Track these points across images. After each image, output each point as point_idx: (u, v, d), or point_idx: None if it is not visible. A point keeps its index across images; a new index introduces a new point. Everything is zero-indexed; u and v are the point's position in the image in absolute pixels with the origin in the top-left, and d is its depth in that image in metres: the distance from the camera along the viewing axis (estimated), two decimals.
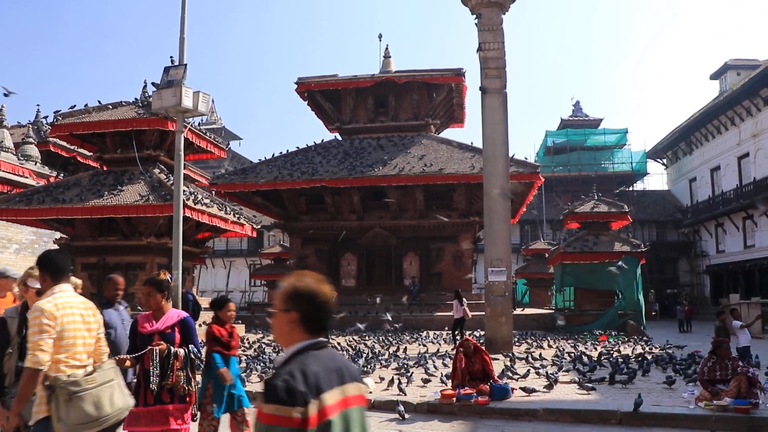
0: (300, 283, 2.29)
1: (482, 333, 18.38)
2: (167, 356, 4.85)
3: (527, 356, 14.07)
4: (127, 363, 4.73)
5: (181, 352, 4.91)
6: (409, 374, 11.22)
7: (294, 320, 2.22)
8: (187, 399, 5.07)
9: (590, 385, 10.18)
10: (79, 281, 4.66)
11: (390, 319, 23.55)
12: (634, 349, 16.81)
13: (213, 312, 6.61)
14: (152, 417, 4.83)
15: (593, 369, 11.89)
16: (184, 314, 5.14)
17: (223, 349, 6.28)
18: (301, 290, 2.26)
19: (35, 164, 26.70)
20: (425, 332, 22.51)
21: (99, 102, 22.08)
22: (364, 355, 14.45)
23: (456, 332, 17.94)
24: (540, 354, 14.96)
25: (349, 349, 16.32)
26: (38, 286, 4.23)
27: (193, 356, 5.02)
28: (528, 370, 11.71)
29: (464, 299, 18.39)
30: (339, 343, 17.73)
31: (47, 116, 30.42)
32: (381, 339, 19.65)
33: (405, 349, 16.45)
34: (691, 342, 19.47)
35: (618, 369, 11.77)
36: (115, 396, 3.81)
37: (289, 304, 2.24)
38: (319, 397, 2.03)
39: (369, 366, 12.45)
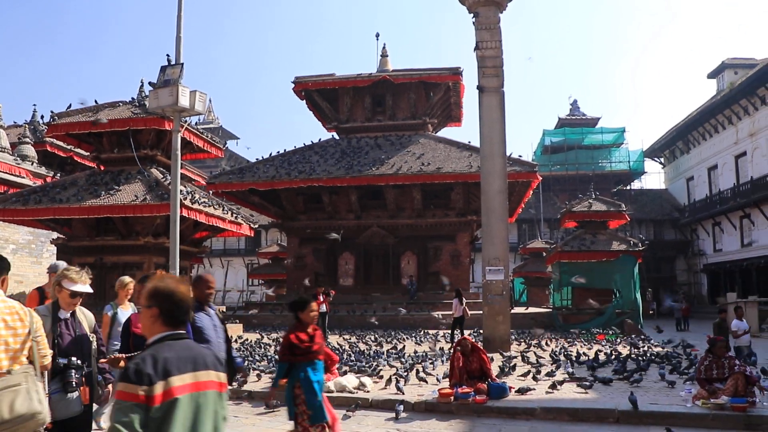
0: (161, 284, 2.67)
1: (480, 332, 18.40)
2: None
3: (522, 355, 14.08)
4: (121, 363, 4.60)
5: None
6: (406, 374, 11.20)
7: (154, 315, 2.63)
8: None
9: (587, 383, 10.19)
10: (85, 278, 4.62)
11: (376, 322, 23.68)
12: (632, 348, 16.82)
13: (294, 314, 6.03)
14: None
15: (593, 368, 11.90)
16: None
17: (300, 358, 5.76)
18: (161, 289, 2.65)
19: (32, 164, 26.65)
20: (423, 331, 22.51)
21: (96, 101, 22.06)
22: (365, 354, 14.43)
23: (455, 331, 17.98)
24: (536, 353, 14.98)
25: (348, 349, 16.31)
26: (73, 288, 4.41)
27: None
28: (528, 370, 11.72)
29: (464, 298, 18.42)
30: (334, 342, 17.72)
31: (44, 116, 30.39)
32: (378, 338, 19.64)
33: (403, 347, 16.45)
34: (688, 341, 19.47)
35: (623, 367, 11.75)
36: (17, 402, 3.51)
37: (150, 301, 2.65)
38: (167, 379, 2.41)
39: (368, 365, 12.43)
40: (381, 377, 11.26)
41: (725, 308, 15.30)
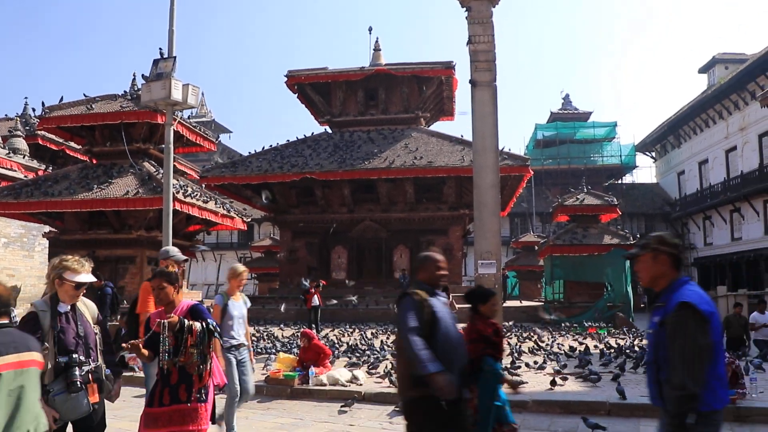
0: None
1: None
2: (179, 331, 4.34)
3: (514, 349, 14.16)
4: (144, 352, 4.37)
5: (197, 326, 4.39)
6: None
7: None
8: (202, 379, 4.51)
9: (580, 377, 10.27)
10: (87, 267, 4.30)
11: (355, 300, 23.95)
12: (626, 340, 16.94)
13: (472, 306, 5.53)
14: (169, 418, 4.46)
15: (588, 362, 11.98)
16: (193, 302, 4.72)
17: (494, 352, 5.23)
18: None
19: (23, 157, 26.51)
20: None
21: (84, 95, 21.99)
22: (359, 349, 14.48)
23: None
24: (529, 347, 15.07)
25: (343, 342, 16.35)
26: (77, 279, 4.17)
27: (212, 329, 4.48)
28: (519, 364, 11.79)
29: (450, 293, 18.50)
30: (328, 336, 17.76)
31: (35, 109, 30.24)
32: (372, 332, 19.70)
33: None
34: None
35: (622, 361, 11.82)
36: None
37: None
38: None
39: (361, 360, 12.48)
40: (375, 369, 11.31)
41: (741, 303, 15.40)
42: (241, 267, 6.93)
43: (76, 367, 3.98)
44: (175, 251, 6.59)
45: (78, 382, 3.94)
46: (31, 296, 26.07)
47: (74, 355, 4.00)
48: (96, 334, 4.31)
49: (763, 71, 33.05)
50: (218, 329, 4.57)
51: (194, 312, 4.55)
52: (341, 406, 8.77)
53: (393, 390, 9.48)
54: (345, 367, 11.41)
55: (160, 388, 4.49)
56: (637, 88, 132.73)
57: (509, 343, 15.63)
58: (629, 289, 24.59)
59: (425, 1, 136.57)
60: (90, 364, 4.12)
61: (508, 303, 27.41)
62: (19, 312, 22.60)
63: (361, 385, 10.08)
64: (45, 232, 24.12)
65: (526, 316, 25.80)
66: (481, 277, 16.64)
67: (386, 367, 11.04)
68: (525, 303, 30.24)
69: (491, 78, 17.51)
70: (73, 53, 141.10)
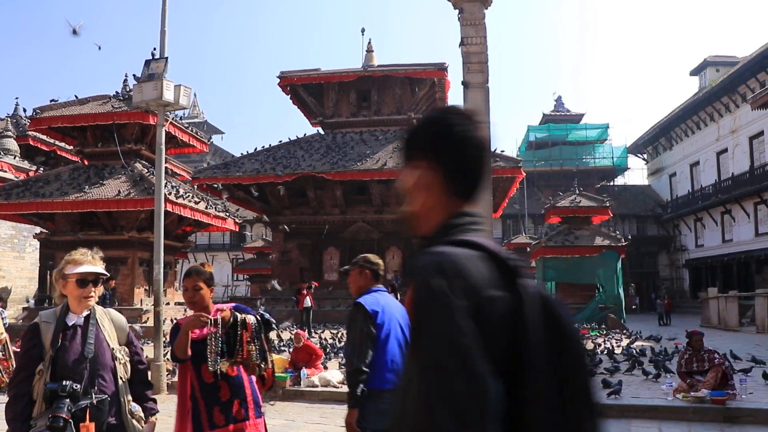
0: None
1: None
2: (233, 326, 3.66)
3: None
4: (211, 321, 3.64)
5: (251, 319, 3.72)
6: None
7: None
8: (265, 382, 3.86)
9: None
10: (94, 257, 3.30)
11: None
12: (619, 342, 17.00)
13: None
14: None
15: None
16: (231, 304, 4.01)
17: None
18: None
19: (14, 158, 26.40)
20: None
21: (76, 96, 21.89)
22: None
23: None
24: None
25: (336, 343, 16.33)
26: (79, 270, 3.18)
27: (268, 320, 3.82)
28: None
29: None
30: (323, 337, 17.74)
31: (26, 109, 30.10)
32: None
33: None
34: (670, 335, 19.72)
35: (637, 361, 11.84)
36: None
37: None
38: None
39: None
40: None
41: None
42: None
43: (67, 399, 2.95)
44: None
45: (61, 419, 2.89)
46: (21, 298, 25.96)
47: (66, 383, 2.97)
48: (116, 358, 3.20)
49: (753, 74, 33.24)
50: (273, 319, 3.90)
51: (239, 310, 3.85)
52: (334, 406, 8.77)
53: None
54: (337, 368, 11.41)
55: (204, 407, 3.65)
56: (629, 91, 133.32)
57: None
58: (621, 290, 24.67)
59: (418, 2, 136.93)
60: (92, 397, 3.04)
61: None
62: (9, 314, 22.50)
63: None
64: (36, 234, 24.03)
65: None
66: None
67: None
68: None
69: (483, 80, 17.55)
70: (64, 54, 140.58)
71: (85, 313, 3.21)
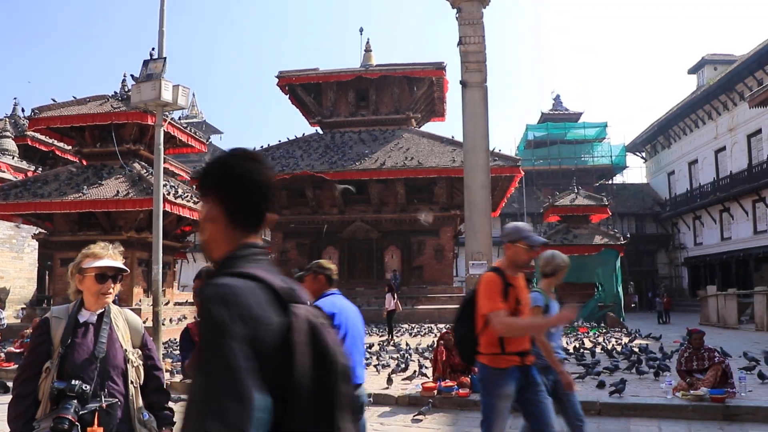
0: None
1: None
2: None
3: None
4: None
5: None
6: (388, 366, 11.25)
7: None
8: None
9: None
10: (114, 252, 3.08)
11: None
12: (619, 340, 17.01)
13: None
14: None
15: (595, 365, 12.02)
16: None
17: None
18: None
19: (12, 158, 26.40)
20: (406, 325, 22.60)
21: (74, 98, 21.89)
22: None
23: (392, 324, 18.45)
24: None
25: None
26: (98, 263, 2.96)
27: None
28: None
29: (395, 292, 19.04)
30: None
31: (24, 109, 30.08)
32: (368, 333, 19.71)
33: (387, 341, 16.55)
34: (669, 333, 19.75)
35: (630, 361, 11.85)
36: None
37: None
38: None
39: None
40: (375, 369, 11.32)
41: None
42: (562, 259, 5.62)
43: (75, 400, 2.73)
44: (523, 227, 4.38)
45: (67, 420, 2.66)
46: (20, 298, 25.95)
47: (76, 382, 2.76)
48: (129, 361, 2.98)
49: (751, 72, 33.28)
50: None
51: None
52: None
53: (388, 391, 9.49)
54: None
55: None
56: (628, 89, 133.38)
57: None
58: (620, 289, 24.70)
59: (416, 2, 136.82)
60: (101, 400, 2.81)
61: None
62: (7, 314, 22.49)
63: None
64: (35, 234, 24.00)
65: None
66: (472, 278, 16.69)
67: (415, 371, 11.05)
68: None
69: (482, 79, 17.56)
70: (63, 54, 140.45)
71: (99, 310, 3.00)
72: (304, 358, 1.40)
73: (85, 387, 2.77)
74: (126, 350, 2.98)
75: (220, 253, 1.59)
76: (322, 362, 1.43)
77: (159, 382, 3.13)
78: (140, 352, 3.06)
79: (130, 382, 2.96)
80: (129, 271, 3.31)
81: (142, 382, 3.02)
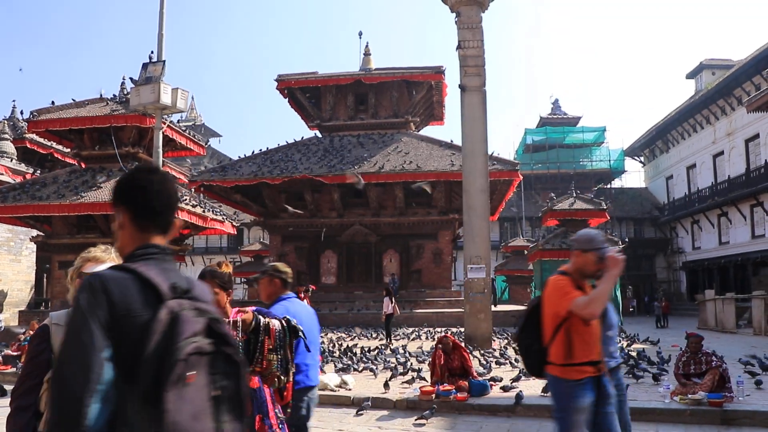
0: None
1: (461, 330, 18.51)
2: (254, 331, 3.26)
3: (504, 353, 14.20)
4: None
5: (275, 324, 3.30)
6: (387, 370, 11.25)
7: None
8: (283, 396, 3.47)
9: None
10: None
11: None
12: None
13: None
14: None
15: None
16: (251, 307, 3.53)
17: None
18: None
19: (11, 161, 26.38)
20: (405, 329, 22.59)
21: (73, 100, 21.88)
22: (354, 355, 14.46)
23: (390, 328, 18.46)
24: (516, 349, 15.09)
25: (337, 348, 16.34)
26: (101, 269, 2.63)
27: (294, 326, 3.40)
28: (507, 369, 11.82)
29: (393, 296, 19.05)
30: (320, 340, 17.72)
31: (23, 111, 30.06)
32: (366, 337, 19.72)
33: (385, 345, 16.55)
34: (667, 337, 19.75)
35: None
36: None
37: None
38: None
39: (354, 363, 12.49)
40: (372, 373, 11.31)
41: None
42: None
43: None
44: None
45: None
46: (17, 301, 25.92)
47: None
48: None
49: (749, 77, 33.36)
50: (301, 328, 3.47)
51: (261, 314, 3.43)
52: (356, 412, 8.76)
53: (386, 395, 9.49)
54: (333, 372, 11.40)
55: None
56: (626, 94, 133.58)
57: (503, 352, 15.64)
58: (617, 293, 24.68)
59: (415, 6, 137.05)
60: None
61: (499, 307, 27.50)
62: (5, 317, 22.45)
63: (350, 390, 10.07)
64: (33, 236, 23.98)
65: (515, 320, 25.87)
66: (470, 281, 16.71)
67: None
68: (515, 307, 30.30)
69: (480, 83, 17.61)
70: (62, 56, 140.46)
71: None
72: (155, 343, 1.58)
73: None
74: None
75: (126, 254, 1.86)
76: (171, 348, 1.58)
77: None
78: None
79: None
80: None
81: None
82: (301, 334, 3.42)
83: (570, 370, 3.91)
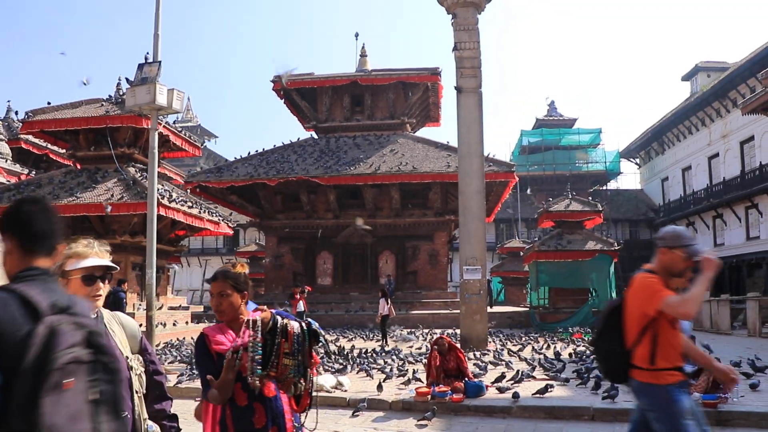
0: None
1: (457, 330, 18.53)
2: (270, 331, 2.98)
3: (500, 354, 14.21)
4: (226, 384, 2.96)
5: (294, 326, 3.02)
6: (384, 372, 11.24)
7: None
8: (300, 403, 3.18)
9: (564, 381, 10.31)
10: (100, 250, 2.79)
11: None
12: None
13: None
14: None
15: (562, 369, 12.03)
16: (271, 310, 3.15)
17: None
18: None
19: (6, 161, 26.28)
20: (401, 330, 22.58)
21: (69, 103, 21.82)
22: (348, 356, 14.44)
23: (385, 329, 18.49)
24: (510, 351, 15.11)
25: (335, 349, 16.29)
26: (83, 264, 2.69)
27: (315, 330, 3.09)
28: (503, 373, 11.82)
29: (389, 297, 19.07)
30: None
31: (18, 112, 29.96)
32: (358, 335, 19.72)
33: (381, 347, 16.54)
34: None
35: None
36: None
37: None
38: None
39: (349, 364, 12.49)
40: (368, 375, 11.30)
41: None
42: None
43: None
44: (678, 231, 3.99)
45: None
46: None
47: None
48: (132, 369, 2.74)
49: (744, 80, 33.46)
50: (321, 331, 3.15)
51: (280, 316, 3.11)
52: (352, 413, 8.76)
53: (381, 396, 9.49)
54: (330, 373, 11.39)
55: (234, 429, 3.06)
56: (622, 96, 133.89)
57: (498, 355, 15.63)
58: (614, 294, 24.73)
59: (412, 7, 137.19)
60: None
61: (495, 308, 27.55)
62: None
63: (345, 391, 10.06)
64: None
65: (511, 321, 25.93)
66: (466, 283, 16.73)
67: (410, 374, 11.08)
68: (510, 308, 30.36)
69: (477, 84, 17.63)
70: (57, 57, 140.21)
71: (92, 316, 2.58)
72: (33, 355, 1.71)
73: None
74: (127, 357, 2.72)
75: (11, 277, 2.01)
76: (48, 359, 1.71)
77: (162, 389, 2.92)
78: (140, 358, 2.83)
79: (134, 392, 2.70)
80: (118, 268, 2.91)
81: (144, 390, 2.80)
82: (322, 339, 3.15)
83: (661, 374, 3.65)
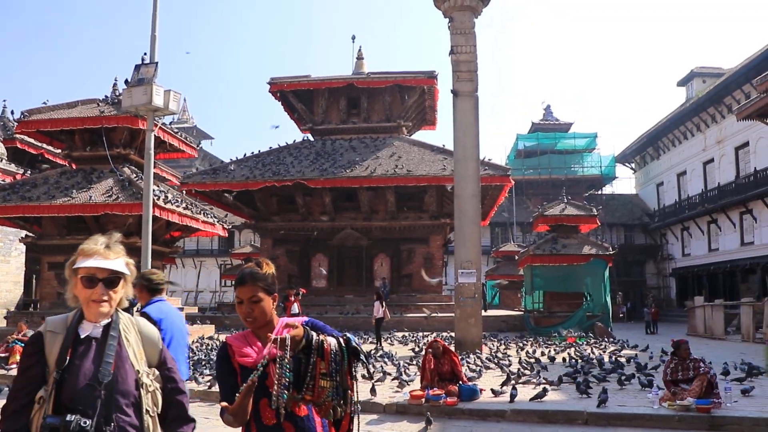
0: None
1: (452, 334, 18.53)
2: (305, 349, 2.56)
3: (495, 358, 14.22)
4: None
5: (331, 342, 2.60)
6: (377, 374, 11.23)
7: None
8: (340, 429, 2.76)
9: (556, 385, 10.31)
10: (106, 241, 2.55)
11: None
12: (605, 350, 17.06)
13: None
14: None
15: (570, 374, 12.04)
16: (303, 318, 2.79)
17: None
18: None
19: (1, 161, 26.21)
20: (395, 333, 22.59)
21: (66, 103, 21.78)
22: None
23: (380, 332, 18.55)
24: (507, 354, 15.13)
25: None
26: (86, 264, 2.40)
27: (355, 347, 2.65)
28: (497, 374, 11.83)
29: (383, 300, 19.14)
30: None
31: (13, 111, 29.88)
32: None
33: (376, 350, 16.54)
34: (656, 343, 19.81)
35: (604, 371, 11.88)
36: None
37: None
38: None
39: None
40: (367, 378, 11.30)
41: None
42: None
43: None
44: None
45: None
46: (6, 302, 25.74)
47: (72, 417, 2.17)
48: (142, 385, 2.39)
49: (739, 85, 33.60)
50: (362, 348, 2.71)
51: (314, 329, 2.69)
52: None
53: (375, 399, 9.48)
54: None
55: None
56: (618, 100, 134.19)
57: (492, 358, 15.63)
58: (608, 298, 24.78)
59: (408, 11, 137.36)
60: None
61: (490, 312, 27.56)
62: None
63: None
64: (22, 237, 23.83)
65: (506, 325, 25.95)
66: (461, 286, 16.74)
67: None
68: (503, 312, 30.38)
69: (473, 88, 17.66)
70: (53, 57, 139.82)
71: (104, 321, 2.38)
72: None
73: (85, 423, 2.16)
74: (139, 372, 2.38)
75: None
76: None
77: (182, 409, 2.51)
78: (157, 373, 2.47)
79: (144, 411, 2.35)
80: (130, 273, 2.50)
81: (160, 411, 2.43)
82: (362, 357, 2.71)
83: None
